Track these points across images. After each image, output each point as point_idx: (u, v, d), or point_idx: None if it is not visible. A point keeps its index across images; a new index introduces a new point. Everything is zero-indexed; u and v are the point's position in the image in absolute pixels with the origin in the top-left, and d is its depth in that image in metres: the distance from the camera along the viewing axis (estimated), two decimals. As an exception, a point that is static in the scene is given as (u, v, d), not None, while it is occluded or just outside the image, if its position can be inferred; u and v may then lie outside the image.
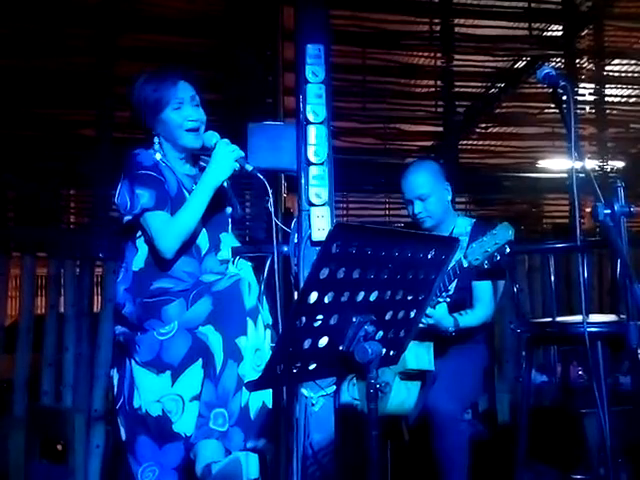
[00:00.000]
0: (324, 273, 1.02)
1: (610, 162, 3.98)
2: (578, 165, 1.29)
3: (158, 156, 1.49)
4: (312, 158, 1.96)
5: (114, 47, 3.04)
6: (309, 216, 1.96)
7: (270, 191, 1.41)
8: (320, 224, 1.96)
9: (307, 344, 1.08)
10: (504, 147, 3.71)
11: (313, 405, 1.97)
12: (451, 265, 1.66)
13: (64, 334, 2.50)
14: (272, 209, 1.43)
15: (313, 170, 1.96)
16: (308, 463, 1.97)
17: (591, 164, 3.83)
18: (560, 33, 3.65)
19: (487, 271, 1.76)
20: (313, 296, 1.03)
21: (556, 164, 3.79)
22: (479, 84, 3.59)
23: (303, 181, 1.97)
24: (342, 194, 3.31)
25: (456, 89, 3.51)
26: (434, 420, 1.71)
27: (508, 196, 3.67)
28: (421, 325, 1.69)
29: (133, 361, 1.40)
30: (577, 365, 2.60)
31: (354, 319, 1.14)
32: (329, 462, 1.98)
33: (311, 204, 1.96)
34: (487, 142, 3.67)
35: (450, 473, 1.73)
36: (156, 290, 1.41)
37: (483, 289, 1.88)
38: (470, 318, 1.83)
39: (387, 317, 1.21)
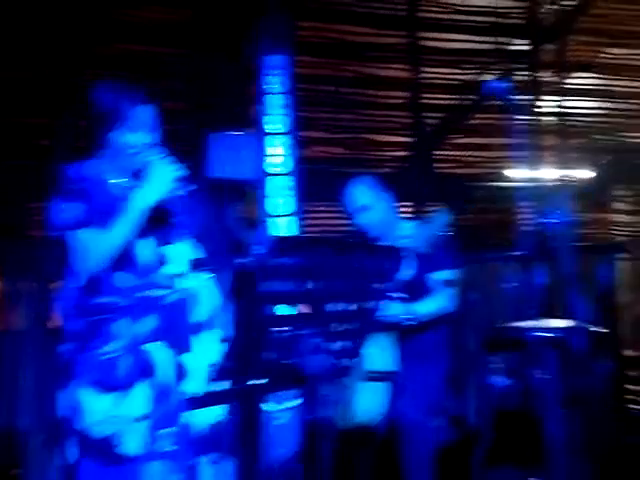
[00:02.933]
0: (272, 286, 1.00)
1: (578, 172, 4.09)
2: (532, 174, 1.31)
3: (94, 169, 1.44)
4: (274, 169, 1.95)
5: (84, 56, 2.98)
6: (271, 227, 1.95)
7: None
8: (283, 235, 1.95)
9: (257, 358, 1.05)
10: (474, 157, 3.76)
11: (277, 419, 1.94)
12: (398, 257, 1.66)
13: (18, 352, 2.40)
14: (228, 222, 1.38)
15: (275, 180, 1.95)
16: (271, 478, 1.93)
17: (554, 174, 3.92)
18: (524, 47, 3.73)
19: (442, 262, 1.77)
20: (262, 310, 1.00)
21: (524, 174, 3.86)
22: (452, 96, 3.64)
23: (264, 192, 1.96)
24: (314, 204, 3.30)
25: (428, 101, 3.55)
26: (400, 428, 1.70)
27: (483, 205, 3.71)
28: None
29: (78, 381, 1.34)
30: (539, 368, 2.64)
31: (304, 332, 1.12)
32: (293, 476, 1.94)
33: (273, 215, 1.95)
34: (460, 153, 3.72)
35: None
36: (97, 307, 1.35)
37: (439, 281, 1.88)
38: (427, 305, 1.82)
39: (338, 328, 1.19)
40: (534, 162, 4.09)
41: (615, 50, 4.03)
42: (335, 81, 3.38)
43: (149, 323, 1.34)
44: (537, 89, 3.77)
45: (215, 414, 1.37)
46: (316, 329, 1.12)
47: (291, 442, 1.90)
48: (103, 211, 1.36)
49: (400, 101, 3.52)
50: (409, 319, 1.73)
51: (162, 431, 1.29)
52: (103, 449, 1.28)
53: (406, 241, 1.69)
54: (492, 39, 3.61)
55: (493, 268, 2.87)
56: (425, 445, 1.70)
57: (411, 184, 3.38)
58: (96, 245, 1.32)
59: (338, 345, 1.18)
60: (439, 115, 3.58)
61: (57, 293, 1.48)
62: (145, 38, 3.00)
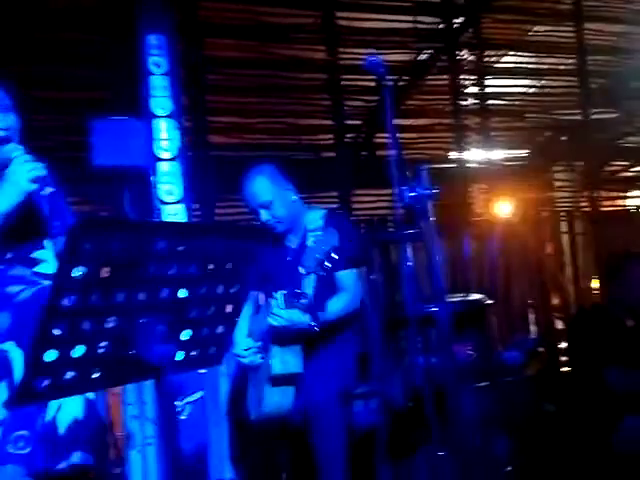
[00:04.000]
0: (79, 272, 0.93)
1: (517, 151, 4.15)
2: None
3: None
4: (161, 153, 1.88)
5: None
6: (162, 215, 1.89)
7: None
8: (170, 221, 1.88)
9: (80, 351, 0.98)
10: (416, 140, 3.75)
11: (180, 413, 1.89)
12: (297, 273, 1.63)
13: None
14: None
15: (163, 166, 1.88)
16: (176, 473, 1.88)
17: (484, 154, 3.97)
18: (443, 26, 3.73)
19: (347, 260, 1.74)
20: (69, 299, 0.93)
21: (467, 155, 3.91)
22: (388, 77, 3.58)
23: (153, 178, 1.89)
24: (231, 192, 3.22)
25: (348, 82, 3.51)
26: (306, 414, 1.67)
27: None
28: (276, 326, 1.65)
29: None
30: (465, 344, 2.68)
31: (142, 320, 1.05)
32: (200, 472, 1.90)
33: (163, 202, 1.88)
34: (401, 135, 3.68)
35: (327, 465, 1.70)
36: None
37: (345, 278, 1.86)
38: (334, 307, 1.79)
39: (192, 315, 1.14)
40: (464, 143, 4.14)
41: (540, 28, 4.08)
42: (265, 64, 3.29)
43: (3, 320, 1.25)
44: (460, 69, 3.78)
45: (73, 411, 1.31)
46: (156, 317, 1.06)
47: (196, 435, 1.86)
48: None
49: (320, 83, 3.47)
50: (314, 325, 1.68)
51: (14, 434, 1.22)
52: None
53: (314, 233, 1.64)
54: (411, 18, 3.59)
55: (392, 249, 2.88)
56: (338, 433, 1.68)
57: (338, 169, 3.35)
58: None
59: (197, 333, 1.13)
60: (360, 97, 3.54)
61: None
62: (37, 22, 2.81)
